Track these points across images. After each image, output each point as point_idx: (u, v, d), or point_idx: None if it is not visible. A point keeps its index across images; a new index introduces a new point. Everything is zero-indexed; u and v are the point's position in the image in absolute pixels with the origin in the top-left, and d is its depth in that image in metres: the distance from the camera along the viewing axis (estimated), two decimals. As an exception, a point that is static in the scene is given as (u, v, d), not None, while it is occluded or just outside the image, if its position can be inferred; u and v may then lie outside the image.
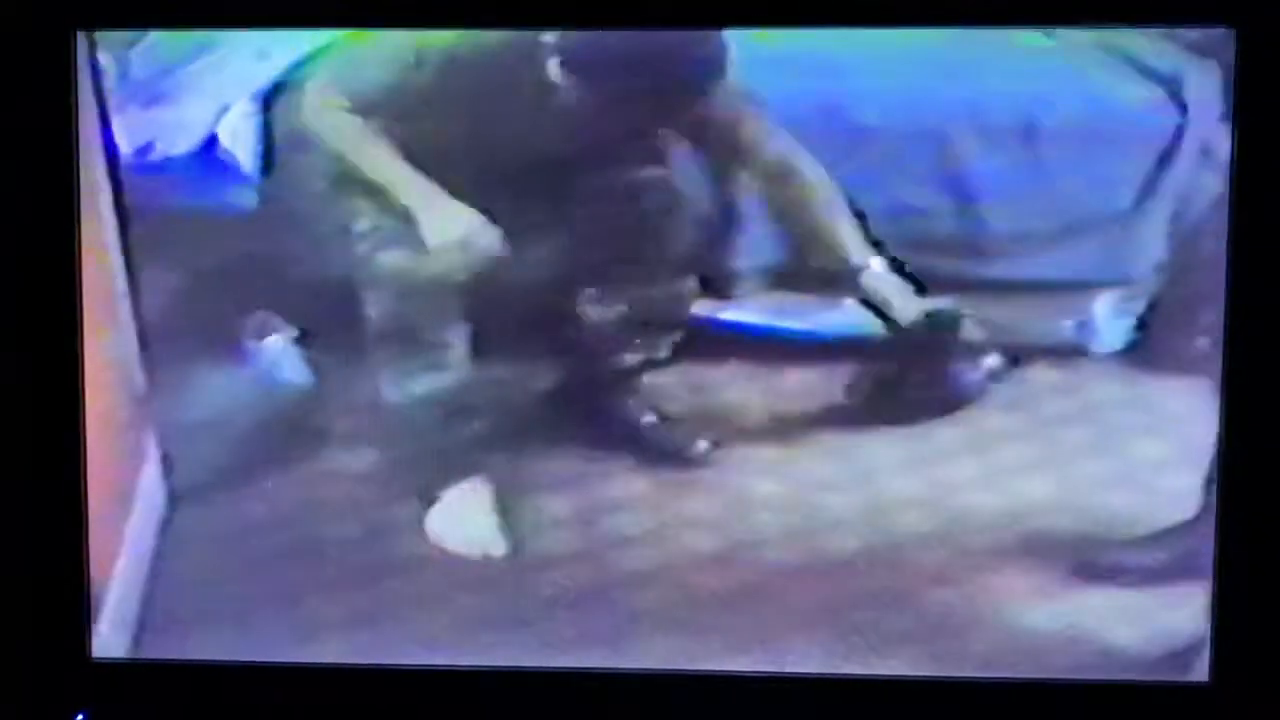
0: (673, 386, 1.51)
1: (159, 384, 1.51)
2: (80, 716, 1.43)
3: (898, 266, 1.46)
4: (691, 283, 1.49)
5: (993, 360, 1.46)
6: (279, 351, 1.52)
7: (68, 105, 1.41)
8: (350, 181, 1.49)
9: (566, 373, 1.52)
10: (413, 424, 1.51)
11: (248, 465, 1.52)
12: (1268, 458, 1.36)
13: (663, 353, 1.50)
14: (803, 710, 1.43)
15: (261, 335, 1.52)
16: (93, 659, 1.43)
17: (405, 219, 1.49)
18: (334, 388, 1.51)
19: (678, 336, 1.50)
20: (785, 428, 1.50)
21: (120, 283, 1.50)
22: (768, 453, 1.50)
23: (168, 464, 1.52)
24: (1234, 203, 1.36)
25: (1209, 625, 1.38)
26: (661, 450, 1.51)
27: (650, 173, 1.47)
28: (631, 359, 1.51)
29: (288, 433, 1.52)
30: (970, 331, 1.46)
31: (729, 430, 1.50)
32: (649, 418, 1.52)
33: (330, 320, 1.50)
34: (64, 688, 1.43)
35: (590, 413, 1.52)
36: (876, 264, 1.46)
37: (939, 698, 1.42)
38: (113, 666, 1.45)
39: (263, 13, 1.42)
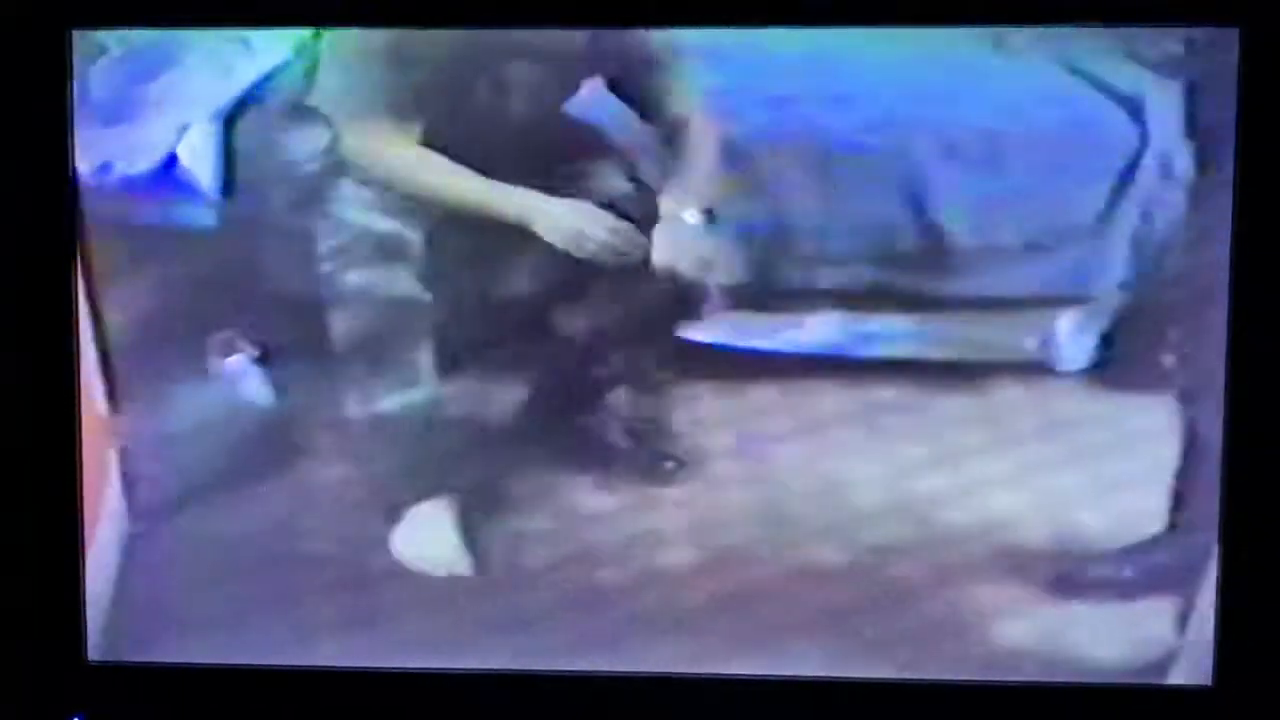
0: (643, 403, 1.51)
1: (122, 403, 1.50)
2: (76, 719, 1.42)
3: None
4: (664, 297, 1.49)
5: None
6: (242, 370, 1.51)
7: (63, 105, 1.40)
8: (314, 200, 1.48)
9: (536, 389, 1.52)
10: (380, 441, 1.51)
11: (213, 483, 1.51)
12: (1269, 462, 1.37)
13: (636, 369, 1.50)
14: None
15: (225, 354, 1.52)
16: (88, 661, 1.43)
17: (371, 236, 1.48)
18: (300, 405, 1.50)
19: (651, 354, 1.50)
20: (755, 444, 1.50)
21: (82, 303, 1.49)
22: (737, 468, 1.49)
23: (129, 483, 1.51)
24: (1237, 203, 1.37)
25: (1180, 637, 1.39)
26: (631, 467, 1.51)
27: (626, 185, 1.47)
28: (603, 375, 1.51)
29: (253, 451, 1.52)
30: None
31: (698, 447, 1.50)
32: (618, 435, 1.52)
33: (295, 338, 1.49)
34: (59, 690, 1.43)
35: (560, 429, 1.52)
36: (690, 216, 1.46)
37: (932, 700, 1.42)
38: (108, 669, 1.44)
39: (250, 9, 1.42)
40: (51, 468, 1.43)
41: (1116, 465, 1.46)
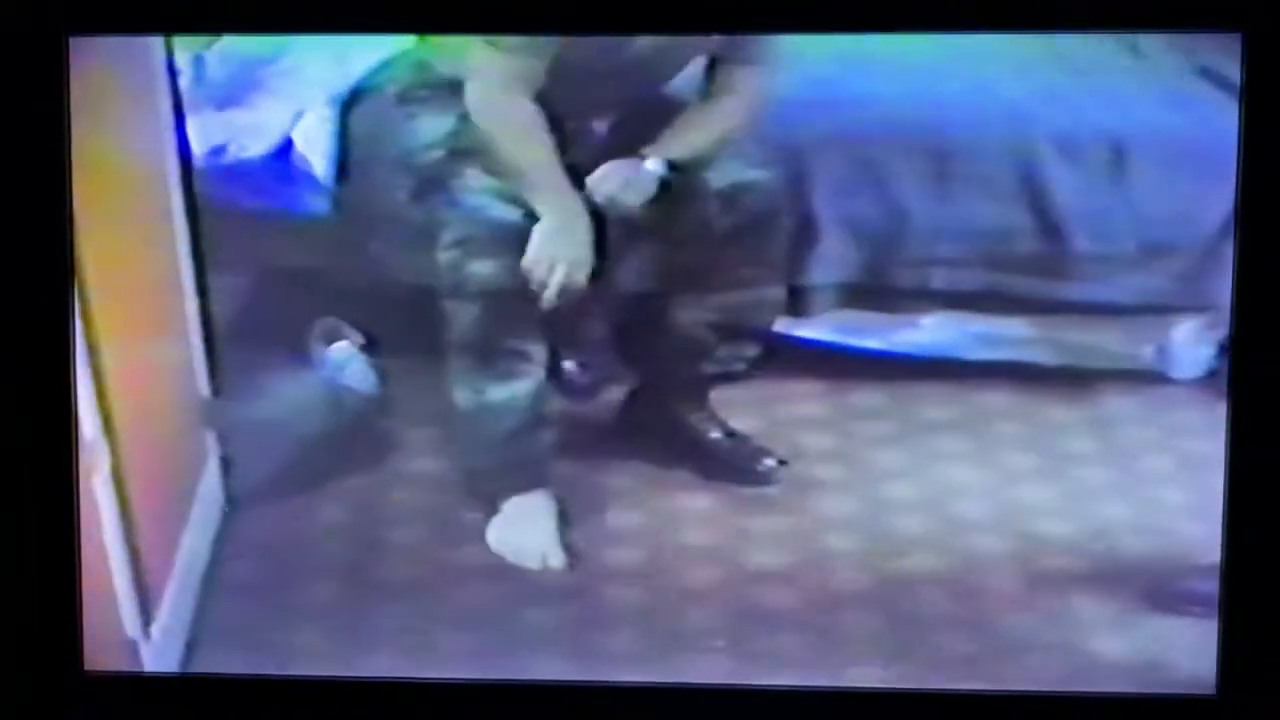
0: (744, 402, 1.50)
1: (223, 387, 1.50)
2: (72, 727, 1.41)
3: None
4: (779, 292, 1.48)
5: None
6: (347, 358, 1.51)
7: (61, 109, 1.40)
8: (434, 189, 1.48)
9: (638, 386, 1.51)
10: (483, 434, 1.50)
11: (313, 471, 1.51)
12: (1274, 473, 1.35)
13: (738, 367, 1.50)
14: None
15: (329, 341, 1.52)
16: (85, 671, 1.42)
17: (492, 225, 1.47)
18: (403, 395, 1.50)
19: (754, 351, 1.49)
20: (856, 447, 1.49)
21: (187, 283, 1.50)
22: (837, 472, 1.48)
23: (227, 467, 1.51)
24: (1241, 204, 1.36)
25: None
26: (730, 467, 1.50)
27: (751, 174, 1.47)
28: (706, 372, 1.50)
29: (355, 439, 1.51)
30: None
31: (798, 448, 1.49)
32: (716, 434, 1.51)
33: (401, 328, 1.49)
34: (57, 699, 1.42)
35: (659, 427, 1.51)
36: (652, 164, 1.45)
37: (937, 706, 1.40)
38: (105, 679, 1.43)
39: (254, 16, 1.43)
40: (48, 478, 1.42)
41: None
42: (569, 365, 1.52)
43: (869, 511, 1.48)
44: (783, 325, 1.49)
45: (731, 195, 1.47)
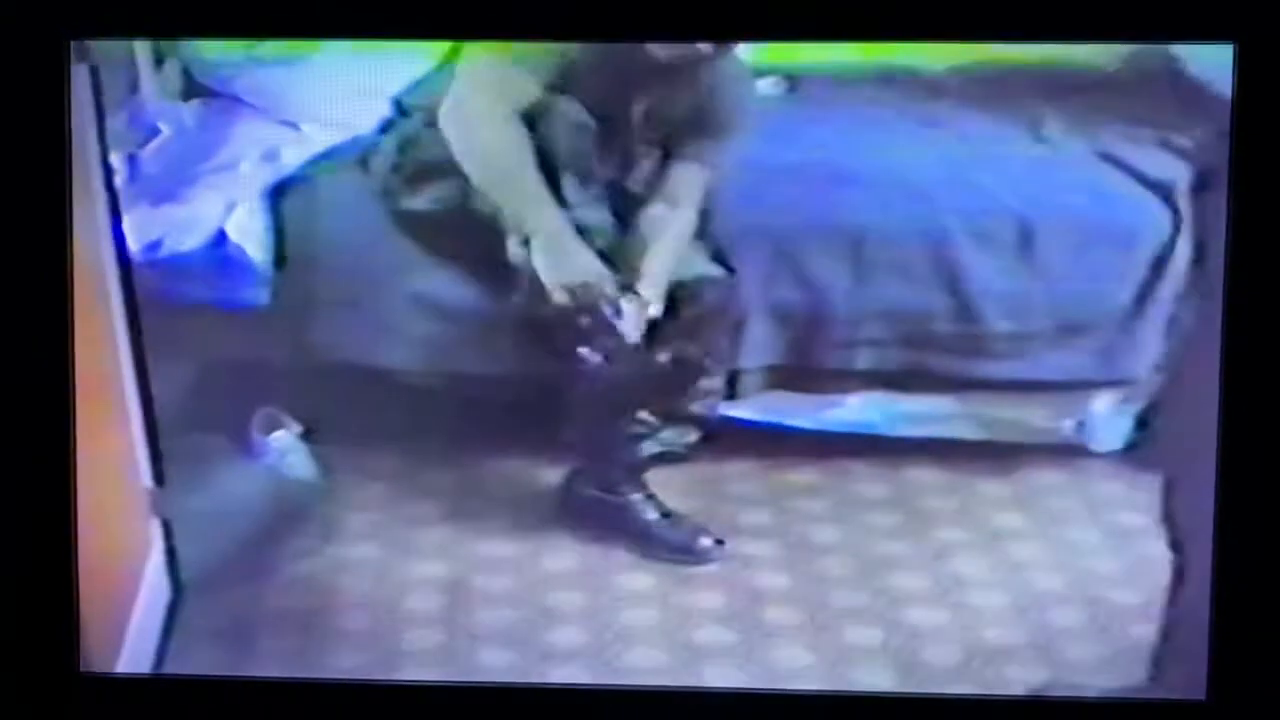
0: (680, 482, 1.53)
1: (167, 476, 1.50)
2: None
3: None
4: (719, 380, 1.51)
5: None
6: (287, 447, 1.53)
7: (61, 112, 1.40)
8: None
9: (573, 468, 1.53)
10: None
11: (258, 558, 1.51)
12: (1264, 483, 1.37)
13: (678, 449, 1.52)
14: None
15: (269, 430, 1.53)
16: (80, 673, 1.41)
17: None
18: (345, 481, 1.51)
19: (695, 436, 1.52)
20: (791, 524, 1.51)
21: (127, 375, 1.50)
22: (773, 549, 1.51)
23: (173, 556, 1.52)
24: (1232, 213, 1.38)
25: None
26: (668, 547, 1.52)
27: (711, 270, 1.51)
28: (642, 454, 1.53)
29: (298, 526, 1.52)
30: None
31: (734, 527, 1.51)
32: (653, 514, 1.54)
33: (342, 413, 1.50)
34: (52, 702, 1.41)
35: (597, 508, 1.54)
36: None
37: (928, 713, 1.41)
38: (100, 680, 1.42)
39: (251, 22, 1.44)
40: (46, 481, 1.42)
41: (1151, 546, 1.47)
42: None
43: (807, 587, 1.50)
44: (720, 408, 1.52)
45: (694, 289, 1.51)
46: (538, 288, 1.47)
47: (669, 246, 1.50)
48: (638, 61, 1.44)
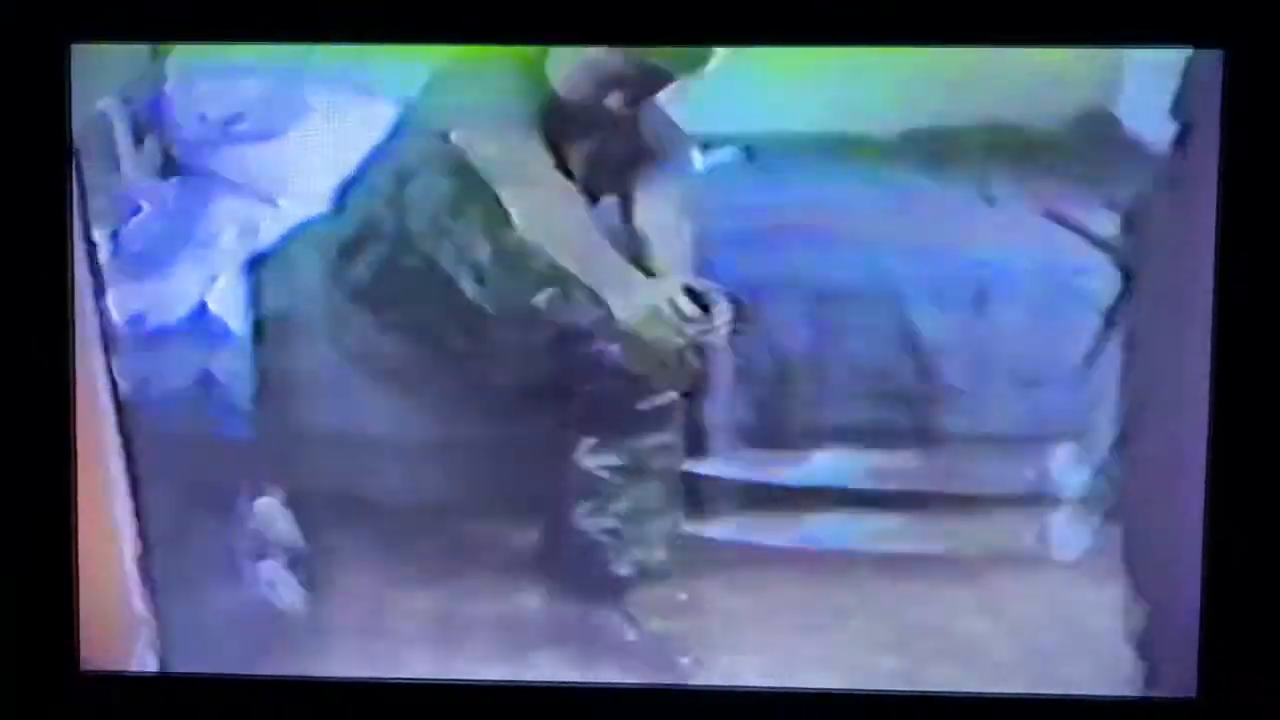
0: (658, 599, 1.54)
1: (158, 599, 1.51)
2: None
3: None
4: (676, 438, 1.53)
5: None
6: (273, 573, 1.55)
7: (62, 116, 1.42)
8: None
9: (553, 582, 1.55)
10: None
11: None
12: (1254, 481, 1.38)
13: (653, 562, 1.54)
14: None
15: (256, 557, 1.55)
16: (81, 671, 1.41)
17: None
18: (334, 605, 1.53)
19: (663, 553, 1.54)
20: (774, 638, 1.53)
21: (119, 501, 1.52)
22: (755, 663, 1.52)
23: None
24: (1222, 219, 1.40)
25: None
26: (647, 665, 1.54)
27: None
28: (621, 570, 1.55)
29: (287, 652, 1.52)
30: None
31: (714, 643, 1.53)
32: (633, 634, 1.55)
33: (331, 534, 1.54)
34: (53, 700, 1.41)
35: (576, 625, 1.55)
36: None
37: (921, 711, 1.41)
38: (101, 678, 1.42)
39: (251, 25, 1.46)
40: (46, 479, 1.42)
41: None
42: None
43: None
44: (690, 525, 1.55)
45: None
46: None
47: (669, 245, 1.51)
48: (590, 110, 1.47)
